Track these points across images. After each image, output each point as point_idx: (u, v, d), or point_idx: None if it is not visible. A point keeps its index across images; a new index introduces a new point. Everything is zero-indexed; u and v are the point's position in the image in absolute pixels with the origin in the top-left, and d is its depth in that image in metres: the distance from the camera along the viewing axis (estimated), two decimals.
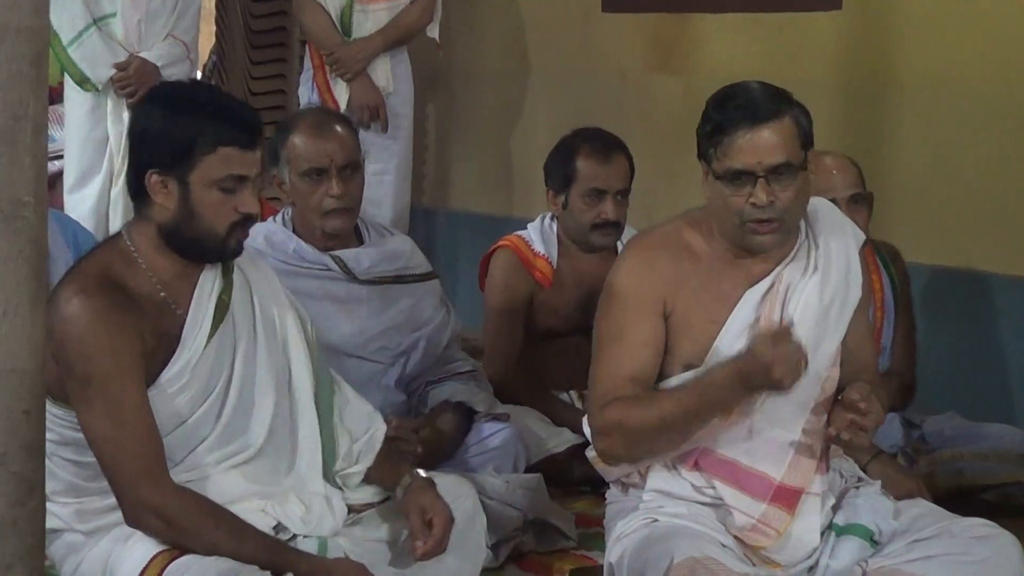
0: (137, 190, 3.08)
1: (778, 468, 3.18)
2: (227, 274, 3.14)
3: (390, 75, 5.84)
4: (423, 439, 3.99)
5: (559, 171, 4.66)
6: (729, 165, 3.11)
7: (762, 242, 3.16)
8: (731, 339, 3.17)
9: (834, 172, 4.21)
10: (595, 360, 3.24)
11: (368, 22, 5.81)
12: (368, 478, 3.28)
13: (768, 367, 2.98)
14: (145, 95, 3.20)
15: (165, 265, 3.07)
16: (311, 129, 4.15)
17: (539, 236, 4.73)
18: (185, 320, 3.06)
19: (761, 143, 3.10)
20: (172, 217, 3.04)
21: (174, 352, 3.04)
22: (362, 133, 5.81)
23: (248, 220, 3.06)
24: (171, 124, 3.01)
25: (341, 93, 5.80)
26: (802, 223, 3.26)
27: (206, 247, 3.06)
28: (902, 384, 4.48)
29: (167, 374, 3.03)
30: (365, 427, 3.30)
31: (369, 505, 3.28)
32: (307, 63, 5.96)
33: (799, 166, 3.14)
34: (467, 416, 4.21)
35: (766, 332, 3.04)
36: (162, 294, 3.05)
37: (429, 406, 4.24)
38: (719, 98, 3.18)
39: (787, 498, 3.17)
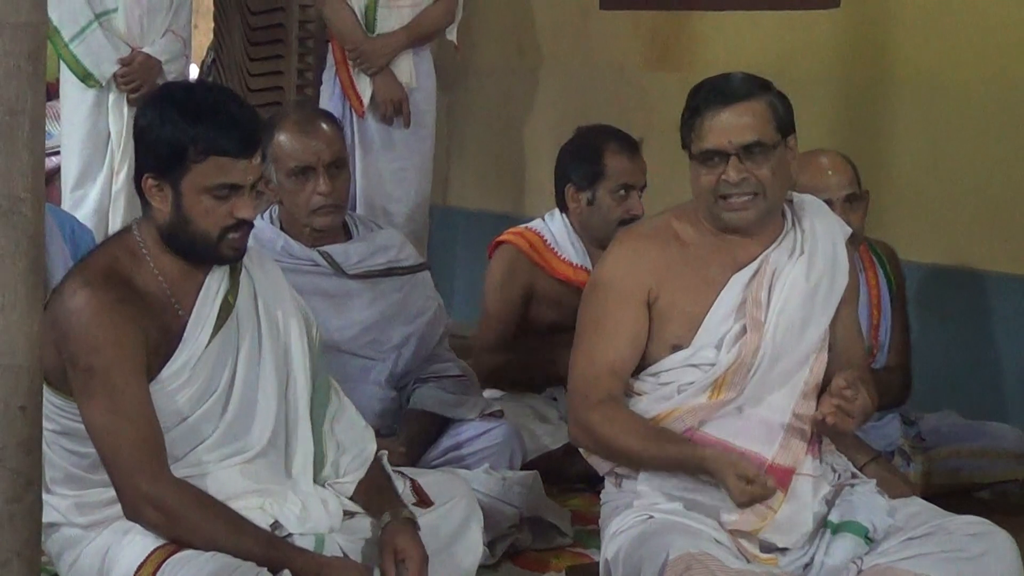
0: (139, 191, 3.09)
1: (769, 448, 3.21)
2: (234, 275, 3.14)
3: (413, 72, 5.86)
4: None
5: (585, 168, 4.64)
6: (702, 146, 3.19)
7: (735, 218, 3.21)
8: (718, 321, 3.23)
9: (829, 172, 4.21)
10: (575, 347, 3.31)
11: (392, 19, 5.82)
12: (356, 499, 3.24)
13: (736, 500, 3.10)
14: (147, 97, 3.18)
15: (170, 264, 3.07)
16: (297, 127, 4.12)
17: (565, 239, 4.70)
18: (187, 320, 3.06)
19: (732, 122, 3.17)
20: (168, 220, 3.04)
21: (175, 349, 3.04)
22: (384, 129, 5.84)
23: (242, 224, 3.04)
24: (165, 130, 3.00)
25: (365, 88, 5.82)
26: (788, 211, 3.32)
27: (200, 250, 3.06)
28: (902, 380, 4.48)
29: (168, 371, 3.03)
30: (356, 442, 3.27)
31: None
32: (329, 60, 5.97)
33: (772, 146, 3.19)
34: (437, 424, 4.20)
35: (745, 471, 3.10)
36: (168, 292, 3.06)
37: (411, 406, 4.22)
38: (697, 86, 3.27)
39: (779, 476, 3.19)
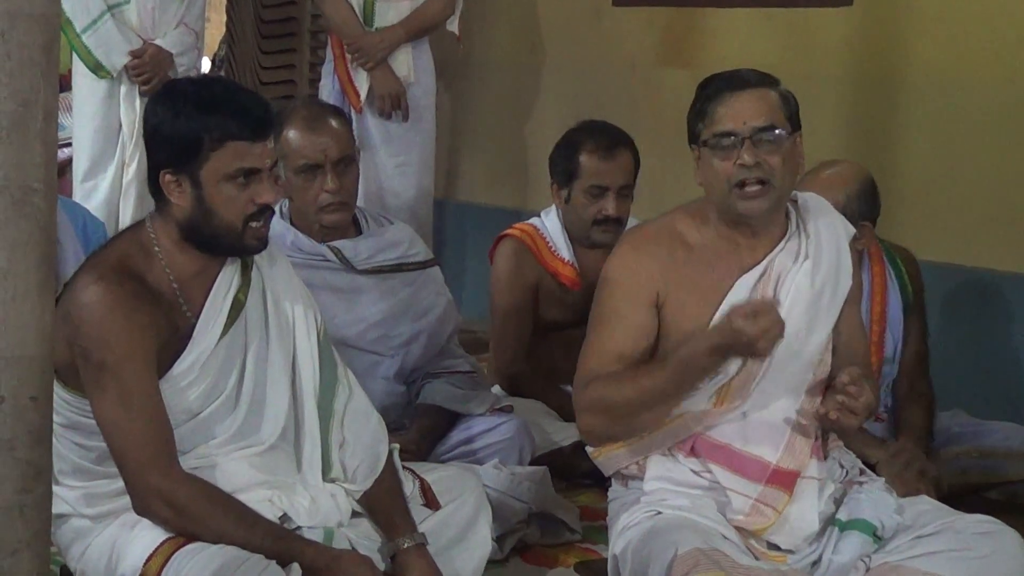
0: (155, 188, 3.08)
1: (773, 451, 3.21)
2: (245, 272, 3.14)
3: (411, 66, 5.85)
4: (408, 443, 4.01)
5: (563, 166, 4.66)
6: (715, 130, 3.18)
7: (749, 208, 3.19)
8: None
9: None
10: (584, 345, 3.29)
11: (390, 13, 5.82)
12: (364, 506, 3.23)
13: (751, 342, 2.98)
14: (155, 94, 3.18)
15: (184, 262, 3.07)
16: (305, 124, 4.10)
17: (558, 235, 4.71)
18: (195, 320, 3.06)
19: (745, 106, 3.18)
20: (189, 215, 3.03)
21: (185, 347, 3.05)
22: (384, 124, 5.84)
23: (265, 211, 3.05)
24: (178, 123, 3.00)
25: (362, 83, 5.82)
26: (792, 213, 3.31)
27: (225, 242, 3.06)
28: (927, 399, 4.38)
29: (177, 368, 3.03)
30: (368, 447, 3.25)
31: None
32: (328, 54, 5.97)
33: (784, 134, 3.19)
34: (447, 419, 4.20)
35: (745, 308, 3.01)
36: (177, 292, 3.05)
37: (421, 400, 4.22)
38: (707, 79, 3.29)
39: (784, 480, 3.20)
